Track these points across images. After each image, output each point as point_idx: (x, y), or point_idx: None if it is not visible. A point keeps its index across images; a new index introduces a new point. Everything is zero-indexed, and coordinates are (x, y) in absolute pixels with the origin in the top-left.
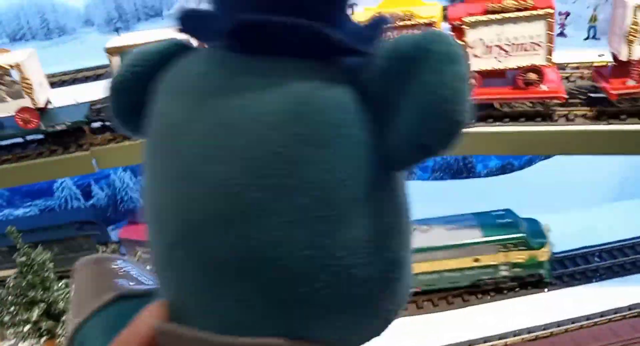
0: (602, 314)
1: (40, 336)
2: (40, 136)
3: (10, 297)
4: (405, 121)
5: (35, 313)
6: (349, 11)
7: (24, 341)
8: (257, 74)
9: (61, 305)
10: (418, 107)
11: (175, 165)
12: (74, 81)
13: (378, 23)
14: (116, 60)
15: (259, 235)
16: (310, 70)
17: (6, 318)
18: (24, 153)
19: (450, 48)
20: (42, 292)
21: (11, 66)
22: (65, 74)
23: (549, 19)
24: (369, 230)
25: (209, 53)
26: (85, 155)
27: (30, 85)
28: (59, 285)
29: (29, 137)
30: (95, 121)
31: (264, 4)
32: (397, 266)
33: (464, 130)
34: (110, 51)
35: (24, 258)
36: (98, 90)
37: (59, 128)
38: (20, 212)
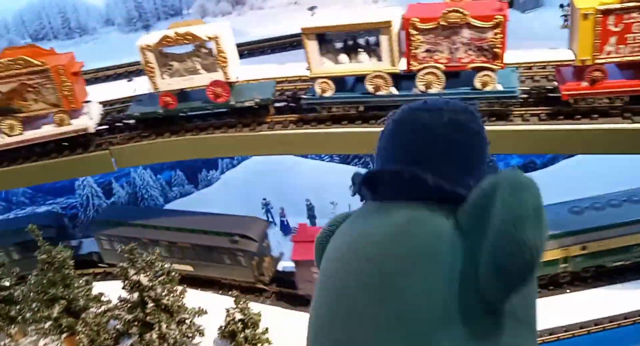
0: None
1: (61, 332)
2: (224, 110)
3: (31, 294)
4: (485, 253)
5: (55, 310)
6: (482, 168)
7: (45, 338)
8: (381, 213)
9: (81, 302)
10: (492, 239)
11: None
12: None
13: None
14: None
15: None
16: (419, 208)
17: (28, 315)
18: (207, 124)
19: (515, 178)
20: (62, 289)
21: (209, 38)
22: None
23: None
24: None
25: (361, 209)
26: (268, 134)
27: (226, 58)
28: (80, 282)
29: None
30: (279, 101)
31: (409, 159)
32: None
33: (539, 254)
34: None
35: (44, 256)
36: (284, 69)
37: (247, 104)
38: (42, 209)
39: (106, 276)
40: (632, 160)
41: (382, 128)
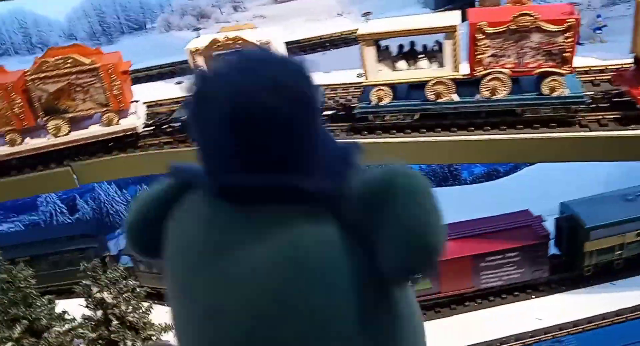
0: None
1: None
2: None
3: None
4: (386, 250)
5: (17, 331)
6: (323, 141)
7: None
8: (247, 228)
9: (44, 321)
10: (395, 239)
11: (192, 311)
12: None
13: (350, 152)
14: None
15: None
16: (292, 215)
17: None
18: None
19: (412, 181)
20: (24, 309)
21: (261, 43)
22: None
23: None
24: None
25: (203, 204)
26: None
27: None
28: (42, 300)
29: None
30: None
31: (245, 164)
32: None
33: (440, 252)
34: None
35: (4, 275)
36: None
37: None
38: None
39: (70, 295)
40: (592, 167)
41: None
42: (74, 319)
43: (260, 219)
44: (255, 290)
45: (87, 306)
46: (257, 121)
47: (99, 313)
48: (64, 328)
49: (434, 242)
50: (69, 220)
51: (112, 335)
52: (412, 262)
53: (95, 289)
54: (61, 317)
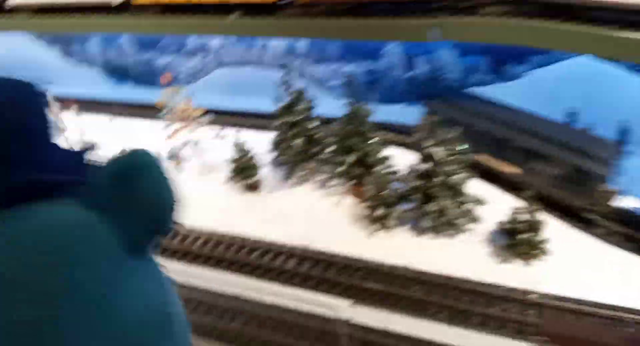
0: None
1: (350, 179)
2: None
3: (332, 138)
4: (135, 219)
5: (351, 158)
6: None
7: (333, 180)
8: None
9: (372, 158)
10: (141, 208)
11: None
12: None
13: (83, 152)
14: None
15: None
16: (35, 208)
17: (324, 156)
18: None
19: (147, 161)
20: (359, 142)
21: None
22: None
23: None
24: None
25: None
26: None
27: None
28: (374, 140)
29: None
30: None
31: None
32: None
33: (177, 208)
34: None
35: (352, 109)
36: None
37: None
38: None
39: (399, 145)
40: None
41: None
42: (393, 165)
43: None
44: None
45: (420, 156)
46: None
47: (426, 165)
48: (387, 170)
49: (171, 203)
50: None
51: (429, 189)
52: (157, 221)
53: (429, 143)
54: (385, 159)
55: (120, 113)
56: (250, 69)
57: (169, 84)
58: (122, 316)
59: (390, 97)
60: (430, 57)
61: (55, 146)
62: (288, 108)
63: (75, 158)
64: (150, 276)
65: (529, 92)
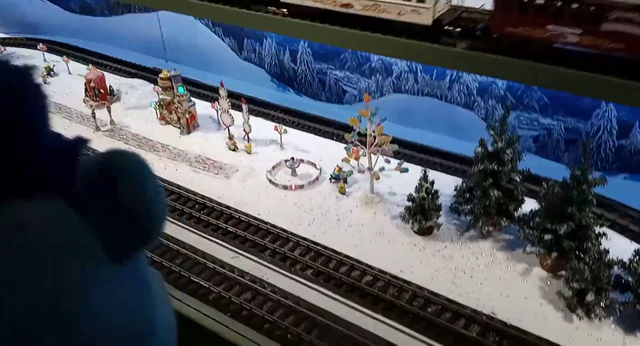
0: None
1: (549, 249)
2: None
3: (541, 200)
4: (117, 224)
5: (564, 228)
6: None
7: (526, 245)
8: None
9: (585, 233)
10: (124, 213)
11: None
12: None
13: (75, 144)
14: None
15: None
16: (16, 205)
17: (522, 216)
18: None
19: (132, 162)
20: (577, 212)
21: None
22: None
23: None
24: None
25: None
26: None
27: None
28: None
29: None
30: None
31: None
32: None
33: (164, 218)
34: None
35: (578, 172)
36: None
37: None
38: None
39: (613, 226)
40: None
41: None
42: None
43: None
44: None
45: None
46: None
47: None
48: (600, 248)
49: (156, 210)
50: None
51: None
52: (140, 230)
53: None
54: (600, 236)
55: (284, 120)
56: (430, 100)
57: (366, 104)
58: (96, 324)
59: (592, 164)
60: None
61: (48, 138)
62: (492, 155)
63: (66, 152)
64: (130, 283)
65: None
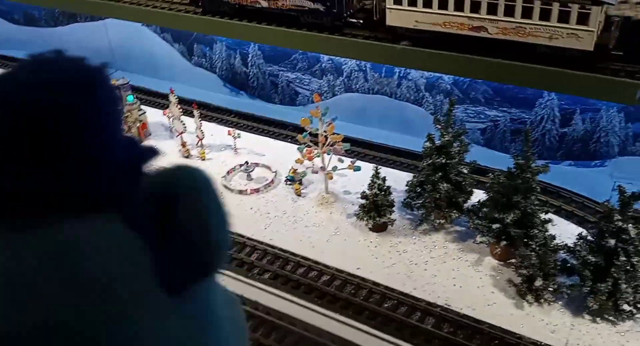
0: None
1: (498, 238)
2: None
3: (488, 190)
4: (175, 254)
5: (511, 216)
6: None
7: (480, 235)
8: (6, 235)
9: (531, 220)
10: (181, 242)
11: None
12: None
13: (143, 156)
14: None
15: None
16: (71, 222)
17: (471, 207)
18: None
19: (195, 182)
20: (523, 200)
21: None
22: None
23: None
24: None
25: None
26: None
27: None
28: (540, 197)
29: None
30: None
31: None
32: None
33: (228, 247)
34: None
35: (521, 161)
36: None
37: None
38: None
39: (559, 212)
40: None
41: None
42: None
43: (24, 226)
44: (18, 308)
45: (597, 229)
46: (24, 121)
47: (612, 241)
48: (546, 234)
49: (218, 240)
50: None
51: (606, 267)
52: (200, 261)
53: (617, 216)
54: (546, 222)
55: (237, 124)
56: (381, 98)
57: (316, 104)
58: None
59: (537, 152)
60: (590, 116)
61: (115, 142)
62: (440, 149)
63: (132, 163)
64: (188, 321)
65: None
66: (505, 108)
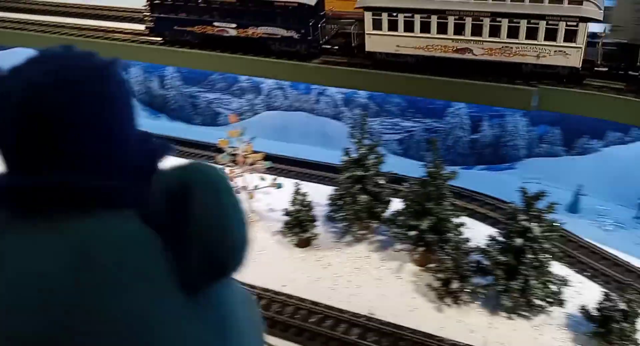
0: None
1: (416, 245)
2: None
3: (404, 199)
4: (190, 250)
5: (426, 223)
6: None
7: (401, 243)
8: (27, 232)
9: (445, 225)
10: (197, 239)
11: None
12: None
13: (158, 151)
14: None
15: None
16: (90, 219)
17: (390, 216)
18: None
19: (210, 178)
20: (435, 206)
21: None
22: None
23: None
24: None
25: None
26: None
27: None
28: (450, 206)
29: None
30: None
31: (27, 164)
32: None
33: (246, 246)
34: None
35: (432, 169)
36: None
37: None
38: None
39: (473, 215)
40: None
41: None
42: (467, 238)
43: (43, 223)
44: (40, 293)
45: (505, 230)
46: (37, 118)
47: (518, 240)
48: (460, 238)
49: (235, 239)
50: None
51: (516, 266)
52: (216, 261)
53: (523, 216)
54: (459, 226)
55: None
56: (301, 115)
57: (233, 124)
58: None
59: (451, 159)
60: (497, 122)
61: (129, 136)
62: (357, 162)
63: (147, 159)
64: (204, 319)
65: (598, 168)
66: (418, 119)
